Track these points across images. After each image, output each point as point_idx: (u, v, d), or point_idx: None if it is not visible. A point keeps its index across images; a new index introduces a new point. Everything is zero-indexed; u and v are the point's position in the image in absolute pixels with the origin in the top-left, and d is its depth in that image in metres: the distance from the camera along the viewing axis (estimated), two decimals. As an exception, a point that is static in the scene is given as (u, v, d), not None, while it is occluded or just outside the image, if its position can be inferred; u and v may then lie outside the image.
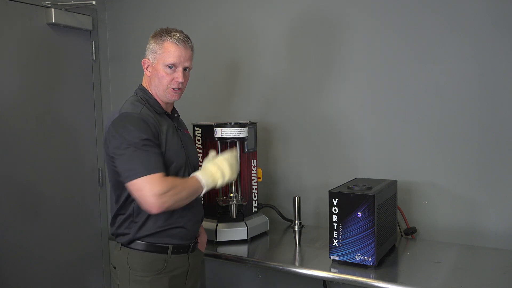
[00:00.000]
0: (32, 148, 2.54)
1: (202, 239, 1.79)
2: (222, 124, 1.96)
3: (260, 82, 2.41)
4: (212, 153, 1.67)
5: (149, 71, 1.63)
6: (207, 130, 2.06)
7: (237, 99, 2.50)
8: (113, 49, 2.96)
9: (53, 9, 2.57)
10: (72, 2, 2.63)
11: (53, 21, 2.58)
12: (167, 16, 2.69)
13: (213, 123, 2.02)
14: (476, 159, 1.88)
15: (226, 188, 2.07)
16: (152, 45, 1.61)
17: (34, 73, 2.56)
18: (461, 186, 1.92)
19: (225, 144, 2.05)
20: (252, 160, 2.13)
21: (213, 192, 2.08)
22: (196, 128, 2.11)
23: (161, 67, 1.58)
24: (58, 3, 2.61)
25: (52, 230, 2.62)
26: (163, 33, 1.60)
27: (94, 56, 2.89)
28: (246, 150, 2.03)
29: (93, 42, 2.88)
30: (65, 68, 2.73)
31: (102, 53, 2.94)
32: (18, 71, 2.48)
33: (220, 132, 1.96)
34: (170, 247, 1.57)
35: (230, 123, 1.95)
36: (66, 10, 2.64)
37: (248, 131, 2.00)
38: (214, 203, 2.05)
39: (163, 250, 1.56)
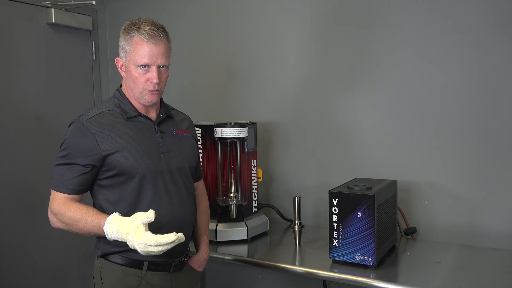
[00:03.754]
0: (32, 148, 2.54)
1: (199, 257, 1.62)
2: (222, 124, 1.96)
3: (260, 82, 2.41)
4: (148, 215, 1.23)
5: (123, 71, 1.49)
6: (207, 130, 2.06)
7: (237, 99, 2.50)
8: (113, 49, 2.96)
9: (53, 9, 2.58)
10: (72, 2, 2.63)
11: (53, 21, 2.58)
12: (167, 16, 2.69)
13: (213, 123, 2.02)
14: (476, 159, 1.88)
15: (226, 188, 2.07)
16: (122, 42, 1.45)
17: (34, 73, 2.56)
18: (461, 186, 1.92)
19: (225, 144, 2.05)
20: (252, 160, 2.13)
21: (213, 192, 2.09)
22: (196, 128, 2.11)
23: (133, 68, 1.42)
24: (58, 3, 2.61)
25: (51, 230, 2.60)
26: (131, 27, 1.41)
27: (94, 56, 2.89)
28: (246, 150, 2.03)
29: (93, 42, 2.88)
30: (65, 68, 2.73)
31: (102, 53, 2.94)
32: (18, 71, 2.48)
33: (220, 132, 1.96)
34: (146, 263, 1.43)
35: (230, 123, 1.95)
36: (66, 10, 2.64)
37: (248, 131, 2.00)
38: (214, 203, 2.05)
39: (137, 265, 1.43)
